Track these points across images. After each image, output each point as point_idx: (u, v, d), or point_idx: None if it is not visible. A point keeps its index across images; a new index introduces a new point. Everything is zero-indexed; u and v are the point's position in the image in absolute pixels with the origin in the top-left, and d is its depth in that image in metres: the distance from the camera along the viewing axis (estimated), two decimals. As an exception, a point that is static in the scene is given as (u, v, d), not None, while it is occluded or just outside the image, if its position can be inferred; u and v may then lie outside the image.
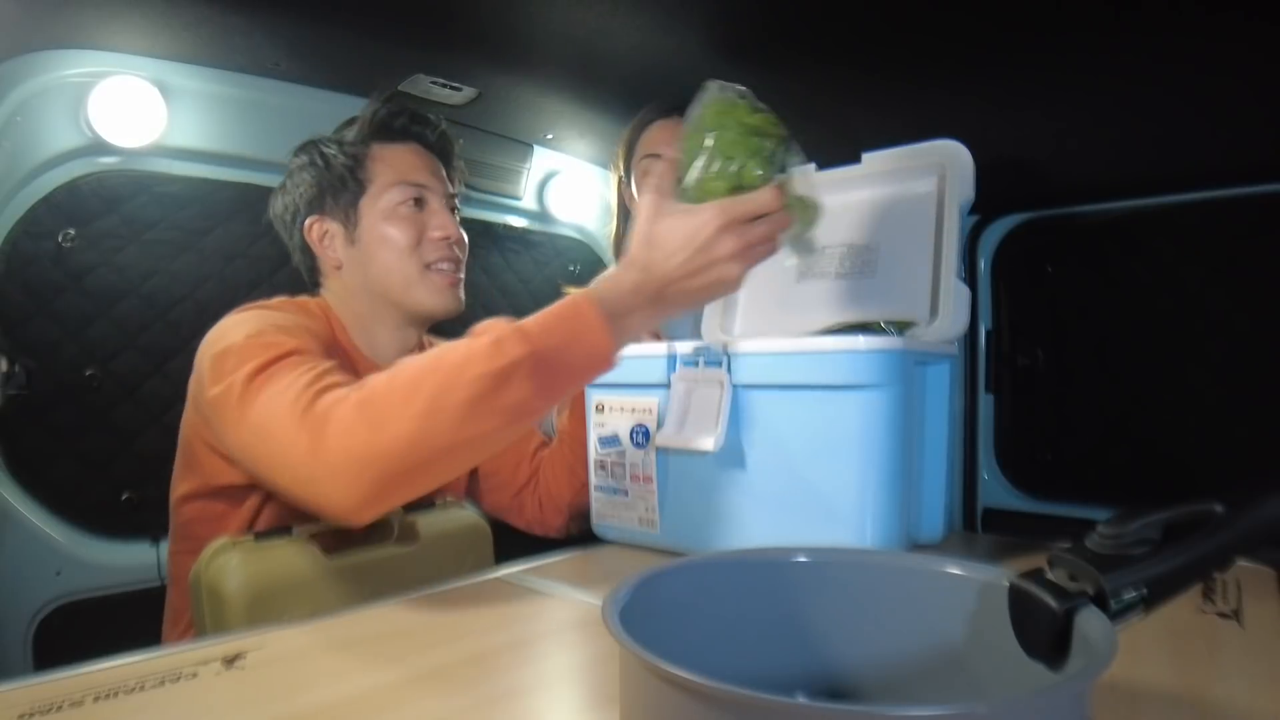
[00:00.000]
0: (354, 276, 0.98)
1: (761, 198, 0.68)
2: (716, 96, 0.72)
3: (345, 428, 0.64)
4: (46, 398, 1.17)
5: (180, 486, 0.89)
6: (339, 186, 0.96)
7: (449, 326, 1.33)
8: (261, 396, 0.71)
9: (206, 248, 1.33)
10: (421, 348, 1.06)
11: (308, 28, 1.20)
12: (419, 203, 0.97)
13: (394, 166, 0.97)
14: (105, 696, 0.50)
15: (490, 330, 0.67)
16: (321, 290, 1.02)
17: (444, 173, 1.02)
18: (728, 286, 0.70)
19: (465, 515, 0.94)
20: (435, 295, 0.97)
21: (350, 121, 1.00)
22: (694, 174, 0.70)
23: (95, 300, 1.23)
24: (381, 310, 0.98)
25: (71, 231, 1.20)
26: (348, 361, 0.94)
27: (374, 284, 0.97)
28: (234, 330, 0.80)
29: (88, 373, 1.22)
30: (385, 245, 0.95)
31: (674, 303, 0.70)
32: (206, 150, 1.31)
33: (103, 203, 1.23)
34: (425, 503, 0.93)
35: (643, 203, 0.71)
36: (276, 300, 0.94)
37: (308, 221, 0.98)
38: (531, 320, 0.68)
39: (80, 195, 1.21)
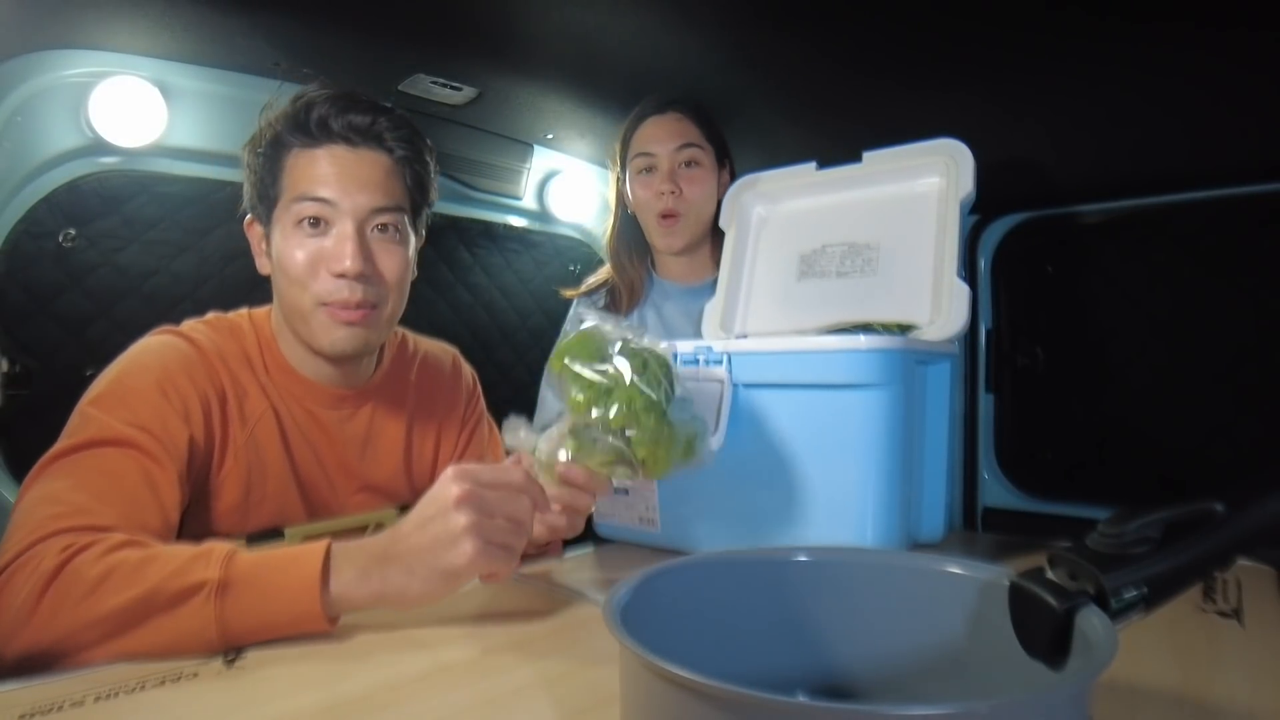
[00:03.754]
0: (274, 289, 0.88)
1: (511, 475, 0.64)
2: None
3: (17, 592, 0.59)
4: (46, 398, 1.17)
5: None
6: (259, 189, 0.85)
7: (455, 337, 1.32)
8: (32, 490, 0.67)
9: (207, 248, 1.33)
10: (404, 345, 1.01)
11: (308, 28, 1.20)
12: (318, 223, 0.81)
13: (300, 177, 0.81)
14: (105, 696, 0.50)
15: (208, 546, 0.61)
16: None
17: (391, 181, 0.84)
18: (459, 557, 0.59)
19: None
20: (324, 334, 0.82)
21: (298, 98, 0.84)
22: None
23: (96, 300, 1.23)
24: (296, 334, 0.86)
25: (72, 231, 1.20)
26: (274, 386, 0.87)
27: (281, 304, 0.86)
28: (106, 376, 0.77)
29: (88, 373, 1.20)
30: (282, 270, 0.82)
31: (401, 563, 0.60)
32: (207, 150, 1.31)
33: (103, 203, 1.23)
34: None
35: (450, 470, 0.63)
36: (197, 323, 0.86)
37: (247, 219, 0.88)
38: (251, 552, 0.62)
39: (81, 195, 1.21)
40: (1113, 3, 0.94)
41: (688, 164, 1.23)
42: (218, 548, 0.61)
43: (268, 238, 0.86)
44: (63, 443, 0.71)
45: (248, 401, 0.84)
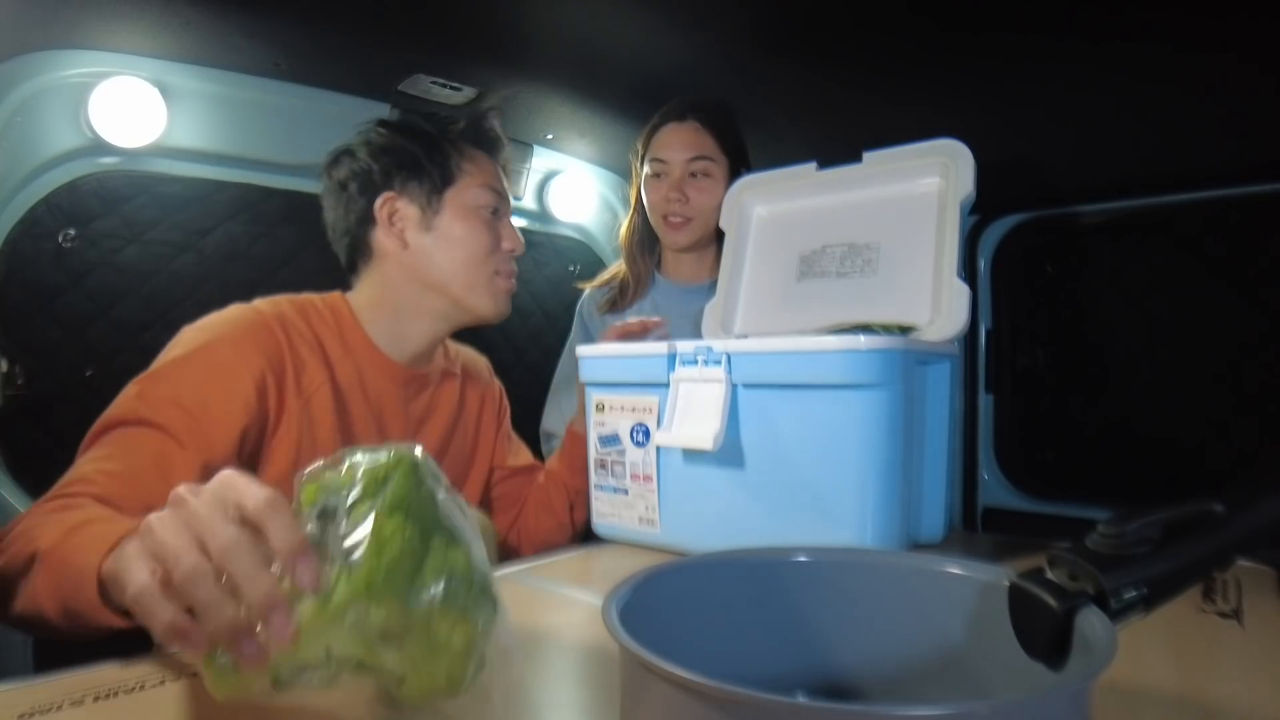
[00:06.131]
0: (413, 263, 0.96)
1: None
2: None
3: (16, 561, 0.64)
4: (46, 398, 1.17)
5: None
6: (427, 170, 0.95)
7: (454, 338, 1.34)
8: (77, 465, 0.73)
9: (206, 248, 1.33)
10: (445, 349, 1.09)
11: (308, 28, 1.20)
12: (496, 211, 0.99)
13: (483, 169, 0.99)
14: (105, 696, 0.50)
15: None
16: (354, 279, 1.00)
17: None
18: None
19: (470, 514, 0.93)
20: (495, 300, 0.99)
21: (430, 114, 1.04)
22: None
23: (95, 300, 1.23)
24: (430, 301, 0.97)
25: (72, 232, 1.20)
26: (350, 361, 0.92)
27: (434, 275, 0.96)
28: (165, 351, 0.82)
29: (88, 373, 1.22)
30: (462, 244, 0.96)
31: None
32: (206, 150, 1.31)
33: (103, 203, 1.23)
34: None
35: None
36: (269, 299, 0.91)
37: (382, 196, 0.95)
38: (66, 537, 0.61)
39: (80, 195, 1.21)
40: (1113, 3, 0.94)
41: (696, 175, 1.25)
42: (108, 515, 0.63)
43: (424, 214, 0.95)
44: (100, 419, 0.76)
45: (305, 374, 0.88)
